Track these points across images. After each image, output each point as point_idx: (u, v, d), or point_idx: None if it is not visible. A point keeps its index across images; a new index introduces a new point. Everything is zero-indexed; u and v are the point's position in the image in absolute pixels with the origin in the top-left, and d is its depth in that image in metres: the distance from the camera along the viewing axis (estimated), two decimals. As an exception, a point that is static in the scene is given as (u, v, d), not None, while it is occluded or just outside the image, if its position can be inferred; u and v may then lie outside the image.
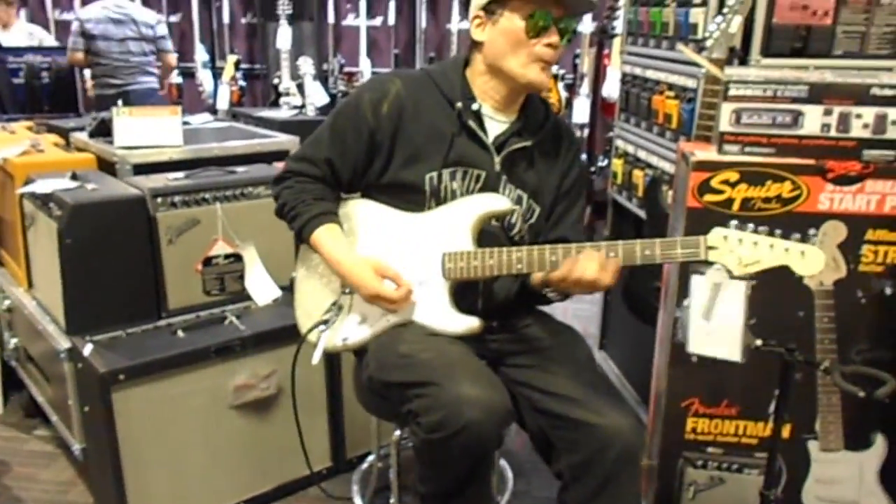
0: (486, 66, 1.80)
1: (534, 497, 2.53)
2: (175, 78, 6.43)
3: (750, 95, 1.84)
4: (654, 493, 2.15)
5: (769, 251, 1.52)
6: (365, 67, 6.48)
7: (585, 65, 5.57)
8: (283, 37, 5.88)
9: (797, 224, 1.62)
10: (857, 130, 1.82)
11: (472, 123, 1.79)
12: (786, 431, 1.98)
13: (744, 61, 2.26)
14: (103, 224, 2.31)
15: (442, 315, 1.77)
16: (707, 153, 1.92)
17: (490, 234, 1.80)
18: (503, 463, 2.49)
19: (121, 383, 2.13)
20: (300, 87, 5.51)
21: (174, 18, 7.26)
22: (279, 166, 2.02)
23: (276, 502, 2.50)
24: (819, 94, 1.82)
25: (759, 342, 1.72)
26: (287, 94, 5.61)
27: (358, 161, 1.82)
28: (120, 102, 2.93)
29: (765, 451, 1.96)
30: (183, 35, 7.21)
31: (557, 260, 1.64)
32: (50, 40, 5.78)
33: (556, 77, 5.50)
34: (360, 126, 1.79)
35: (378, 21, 6.70)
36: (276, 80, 5.93)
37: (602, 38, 5.38)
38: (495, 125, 1.84)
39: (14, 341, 2.94)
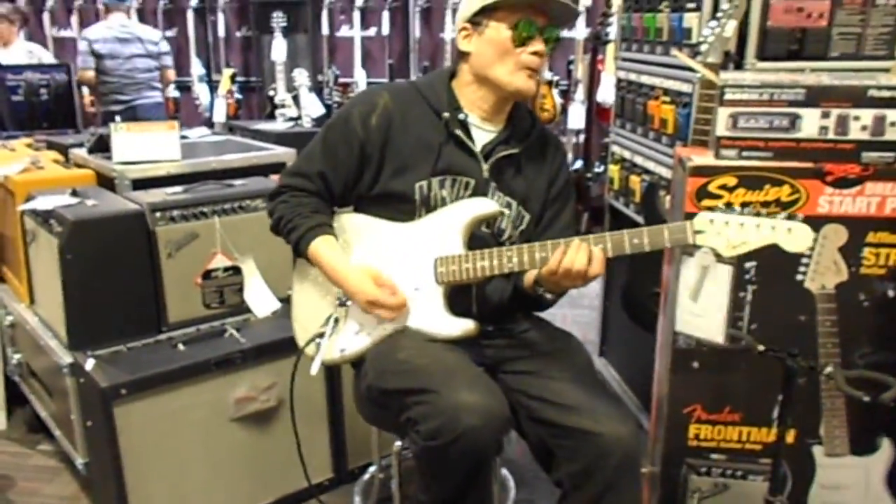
0: (473, 76, 1.84)
1: (536, 506, 2.52)
2: (172, 92, 6.47)
3: (746, 99, 1.84)
4: (657, 500, 2.14)
5: (756, 231, 1.54)
6: (360, 78, 6.49)
7: (580, 71, 5.58)
8: (278, 49, 5.90)
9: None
10: (856, 132, 1.81)
11: (459, 132, 1.82)
12: (790, 437, 1.97)
13: (739, 65, 2.26)
14: (103, 239, 2.31)
15: (438, 320, 1.78)
16: (704, 158, 1.91)
17: (481, 240, 1.82)
18: (504, 472, 2.48)
19: (122, 397, 2.14)
20: (296, 99, 5.52)
21: (170, 33, 7.26)
22: (276, 179, 2.03)
23: (278, 514, 2.49)
24: (816, 96, 1.81)
25: (761, 347, 1.72)
26: (283, 106, 5.64)
27: (350, 173, 1.85)
28: (118, 118, 2.95)
29: (769, 457, 1.95)
30: (179, 49, 7.20)
31: (547, 256, 1.65)
32: (49, 59, 5.80)
33: (550, 83, 5.51)
34: (351, 139, 1.82)
35: (372, 32, 6.71)
36: (271, 93, 5.94)
37: (596, 44, 5.39)
38: (483, 134, 1.86)
39: (17, 357, 2.94)
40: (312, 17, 6.75)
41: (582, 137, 5.73)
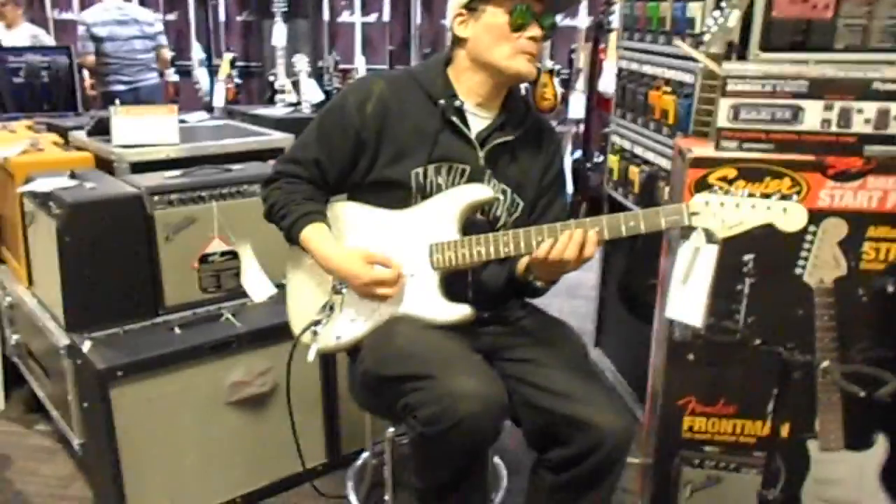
0: (470, 62, 1.82)
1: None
2: (172, 76, 6.51)
3: (748, 91, 1.83)
4: (650, 491, 2.14)
5: (751, 211, 1.53)
6: (360, 64, 6.47)
7: (581, 60, 5.55)
8: (279, 34, 5.86)
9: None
10: (859, 126, 1.80)
11: (455, 119, 1.81)
12: (785, 430, 1.97)
13: (742, 56, 2.24)
14: (101, 222, 2.31)
15: (434, 306, 1.78)
16: (704, 149, 1.91)
17: (476, 227, 1.81)
18: (497, 460, 2.48)
19: (119, 379, 2.14)
20: (295, 85, 5.50)
21: (171, 17, 7.25)
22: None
23: (271, 498, 2.50)
24: (819, 89, 1.80)
25: (757, 341, 1.72)
26: (282, 92, 5.62)
27: (345, 161, 1.84)
28: (118, 102, 2.95)
29: (763, 451, 1.96)
30: (179, 33, 7.19)
31: (543, 240, 1.65)
32: (51, 44, 5.84)
33: (551, 72, 5.49)
34: (346, 126, 1.81)
35: (373, 18, 6.69)
36: (271, 78, 5.91)
37: (598, 32, 5.37)
38: (478, 121, 1.85)
39: (15, 337, 2.95)
40: (313, 3, 6.72)
41: (582, 127, 5.71)
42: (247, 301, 2.53)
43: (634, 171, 2.93)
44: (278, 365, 2.33)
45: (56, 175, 2.51)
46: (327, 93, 5.79)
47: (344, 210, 1.89)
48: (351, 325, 1.83)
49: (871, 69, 1.81)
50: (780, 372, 1.69)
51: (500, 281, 1.89)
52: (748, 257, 1.89)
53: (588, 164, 5.48)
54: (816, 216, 1.84)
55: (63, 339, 2.35)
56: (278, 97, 5.65)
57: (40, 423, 2.93)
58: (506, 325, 1.93)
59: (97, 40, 5.31)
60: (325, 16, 6.72)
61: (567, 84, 5.74)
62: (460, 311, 1.77)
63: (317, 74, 5.95)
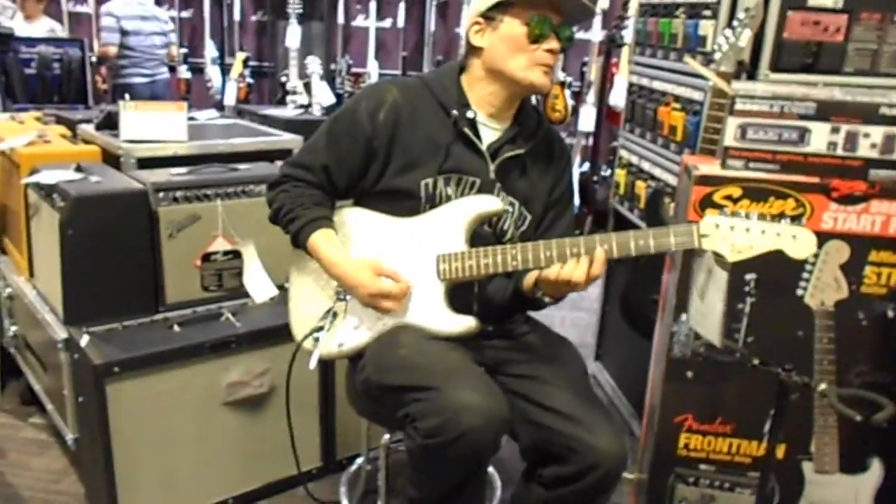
0: (485, 71, 1.81)
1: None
2: (184, 73, 6.56)
3: (756, 111, 1.83)
4: (645, 507, 2.13)
5: (761, 236, 1.54)
6: (373, 69, 6.49)
7: (593, 73, 5.56)
8: (293, 35, 5.89)
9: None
10: (865, 150, 1.80)
11: (467, 131, 1.80)
12: (780, 451, 1.97)
13: (752, 75, 2.24)
14: (105, 217, 2.31)
15: (438, 316, 1.77)
16: (710, 167, 1.90)
17: (483, 239, 1.80)
18: (491, 470, 2.47)
19: (115, 375, 2.13)
20: (307, 87, 5.51)
21: (185, 14, 7.28)
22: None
23: (263, 500, 2.49)
24: (827, 111, 1.80)
25: (755, 361, 1.71)
26: (294, 93, 5.64)
27: (354, 168, 1.83)
28: (127, 96, 2.96)
29: (758, 471, 1.95)
30: (193, 31, 7.23)
31: (552, 255, 1.64)
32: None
33: (563, 84, 5.50)
34: (357, 134, 1.80)
35: (387, 23, 6.71)
36: (283, 79, 5.94)
37: (610, 46, 5.37)
38: (489, 132, 1.84)
39: (14, 329, 2.95)
40: (328, 5, 6.75)
41: (591, 140, 5.72)
42: (247, 301, 2.53)
43: (641, 186, 2.93)
44: (276, 366, 2.34)
45: (62, 167, 2.51)
46: (339, 96, 5.81)
47: (350, 215, 1.88)
48: (354, 332, 1.83)
49: (879, 94, 1.81)
50: (778, 393, 1.67)
51: (506, 294, 1.88)
52: (750, 276, 1.89)
53: (595, 178, 5.48)
54: (820, 238, 1.83)
55: (61, 333, 2.35)
56: (289, 98, 5.67)
57: (35, 415, 2.92)
58: (510, 340, 1.92)
59: (124, 33, 5.45)
60: (340, 19, 6.74)
61: (578, 97, 5.75)
62: (465, 323, 1.76)
63: (329, 77, 5.98)
